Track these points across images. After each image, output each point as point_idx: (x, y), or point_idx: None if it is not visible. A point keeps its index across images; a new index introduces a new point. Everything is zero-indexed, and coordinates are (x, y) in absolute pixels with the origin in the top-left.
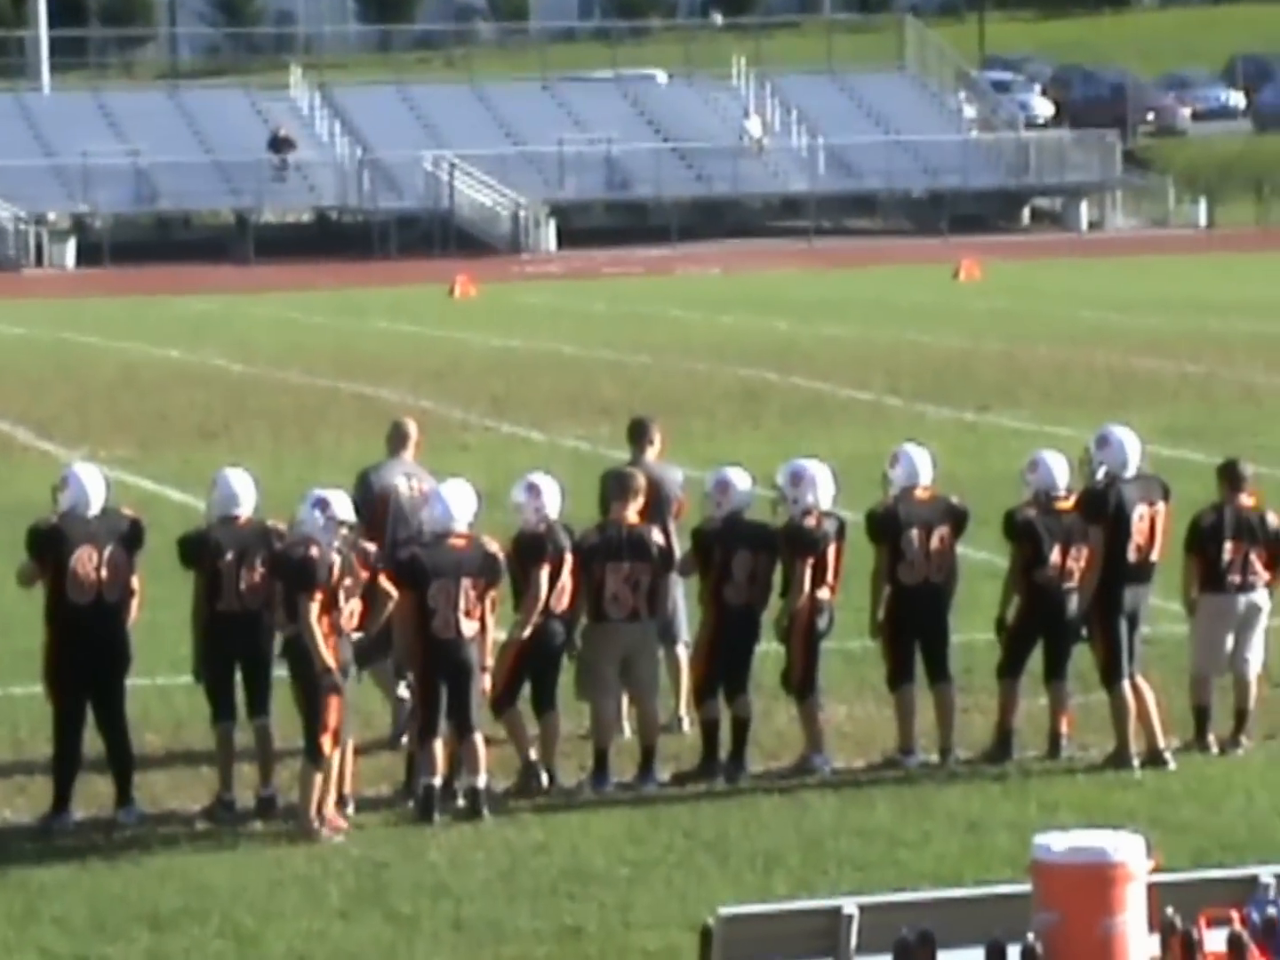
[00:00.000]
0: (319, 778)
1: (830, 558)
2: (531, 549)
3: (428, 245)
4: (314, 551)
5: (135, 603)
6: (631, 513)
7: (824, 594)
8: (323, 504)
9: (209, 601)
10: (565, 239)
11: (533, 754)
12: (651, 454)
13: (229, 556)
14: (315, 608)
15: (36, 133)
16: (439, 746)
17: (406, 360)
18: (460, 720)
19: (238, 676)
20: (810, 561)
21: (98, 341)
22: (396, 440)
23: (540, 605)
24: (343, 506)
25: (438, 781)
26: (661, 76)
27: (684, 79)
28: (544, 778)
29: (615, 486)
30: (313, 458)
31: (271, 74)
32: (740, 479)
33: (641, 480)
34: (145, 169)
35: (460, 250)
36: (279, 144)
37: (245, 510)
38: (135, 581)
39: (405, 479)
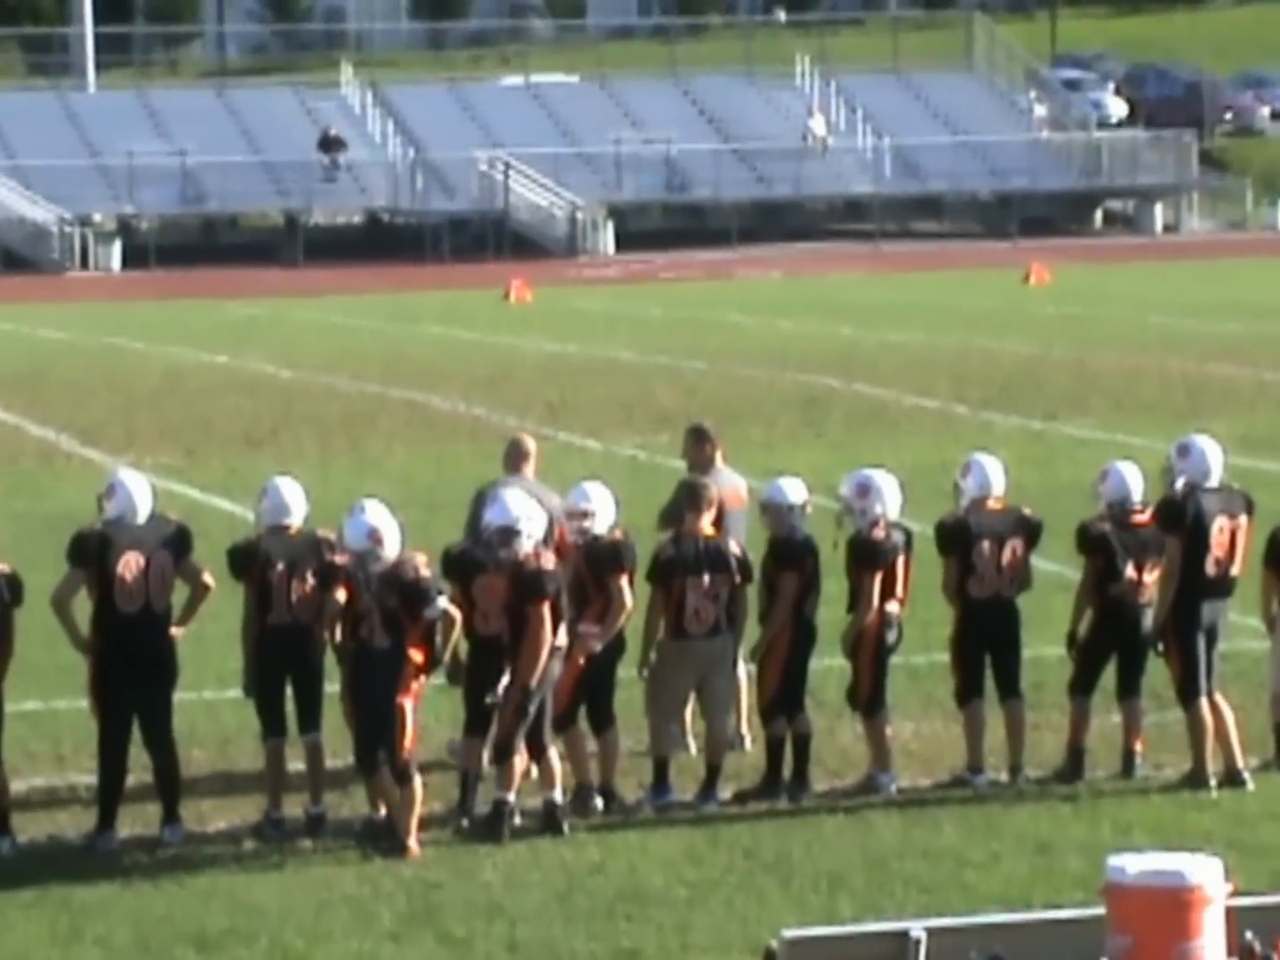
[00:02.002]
0: (413, 796)
1: (899, 570)
2: (611, 558)
3: (481, 248)
4: (426, 571)
5: (197, 608)
6: (706, 524)
7: (892, 608)
8: (376, 538)
9: (259, 614)
10: (622, 241)
11: (586, 776)
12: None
13: (280, 568)
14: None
15: (81, 132)
16: (518, 763)
17: (458, 366)
18: (537, 735)
19: (288, 691)
20: (878, 575)
21: (143, 346)
22: (515, 457)
23: (626, 615)
24: (392, 541)
25: (512, 797)
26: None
27: (745, 77)
28: (598, 802)
29: (689, 497)
30: (361, 466)
31: (321, 72)
32: (795, 491)
33: (714, 490)
34: (192, 169)
35: (515, 253)
36: (329, 144)
37: (296, 520)
38: (205, 580)
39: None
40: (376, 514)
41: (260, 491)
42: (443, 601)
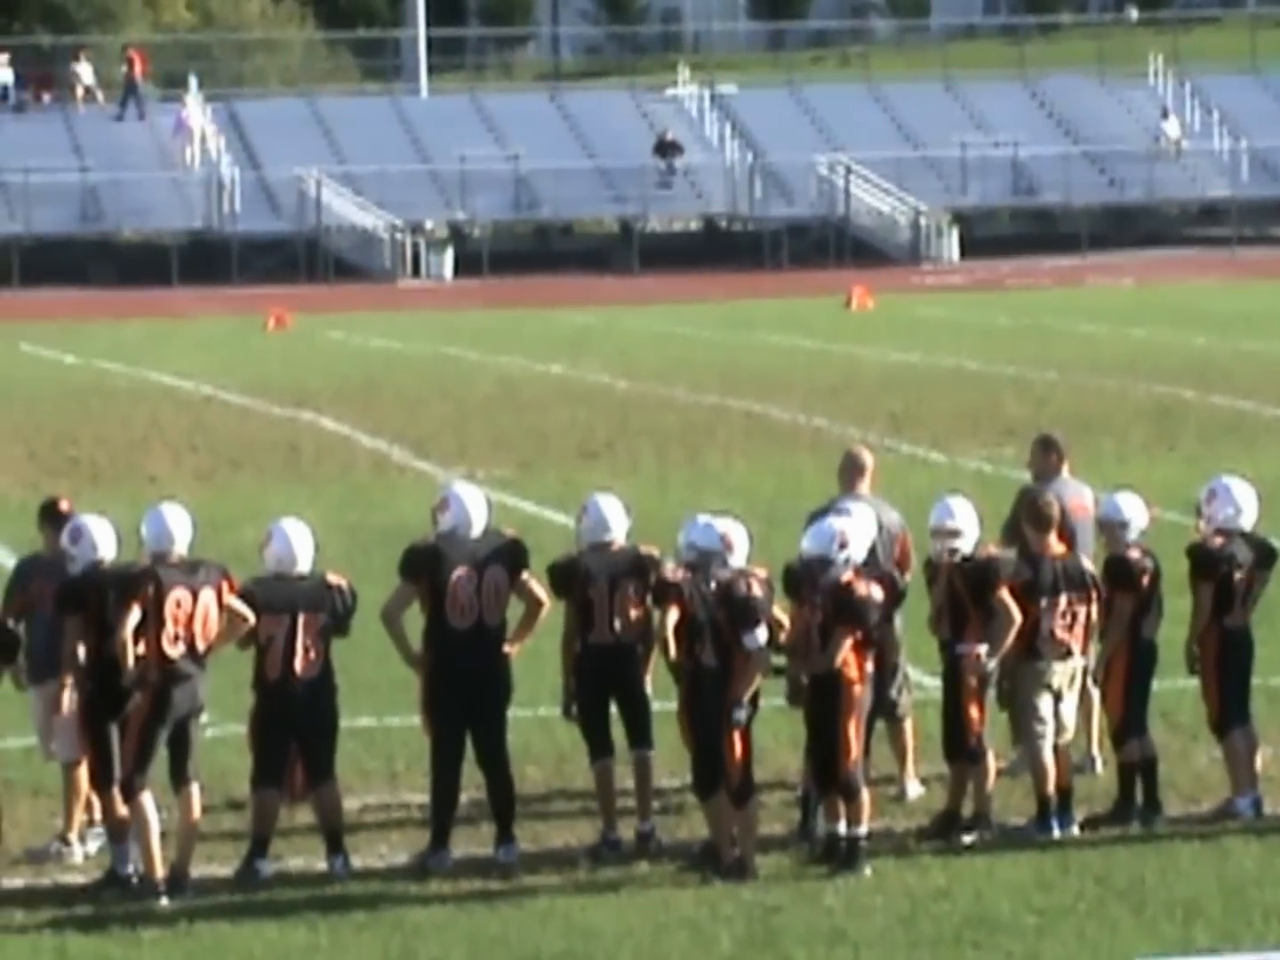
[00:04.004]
0: (750, 817)
1: (1238, 583)
2: (989, 574)
3: (821, 254)
4: (759, 590)
5: (533, 624)
6: (1054, 541)
7: (1233, 622)
8: (727, 542)
9: (580, 632)
10: (968, 248)
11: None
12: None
13: (601, 585)
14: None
15: (413, 137)
16: (865, 795)
17: (798, 376)
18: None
19: (612, 710)
20: (1213, 585)
21: (475, 356)
22: (851, 472)
23: (1014, 629)
24: (740, 548)
25: (863, 830)
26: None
27: (1095, 78)
28: (967, 839)
29: (1031, 516)
30: (698, 478)
31: (657, 74)
32: (1130, 508)
33: (1055, 505)
34: (525, 175)
35: (855, 260)
36: (665, 148)
37: (617, 536)
38: (540, 595)
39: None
40: (724, 522)
41: (580, 508)
42: (761, 633)
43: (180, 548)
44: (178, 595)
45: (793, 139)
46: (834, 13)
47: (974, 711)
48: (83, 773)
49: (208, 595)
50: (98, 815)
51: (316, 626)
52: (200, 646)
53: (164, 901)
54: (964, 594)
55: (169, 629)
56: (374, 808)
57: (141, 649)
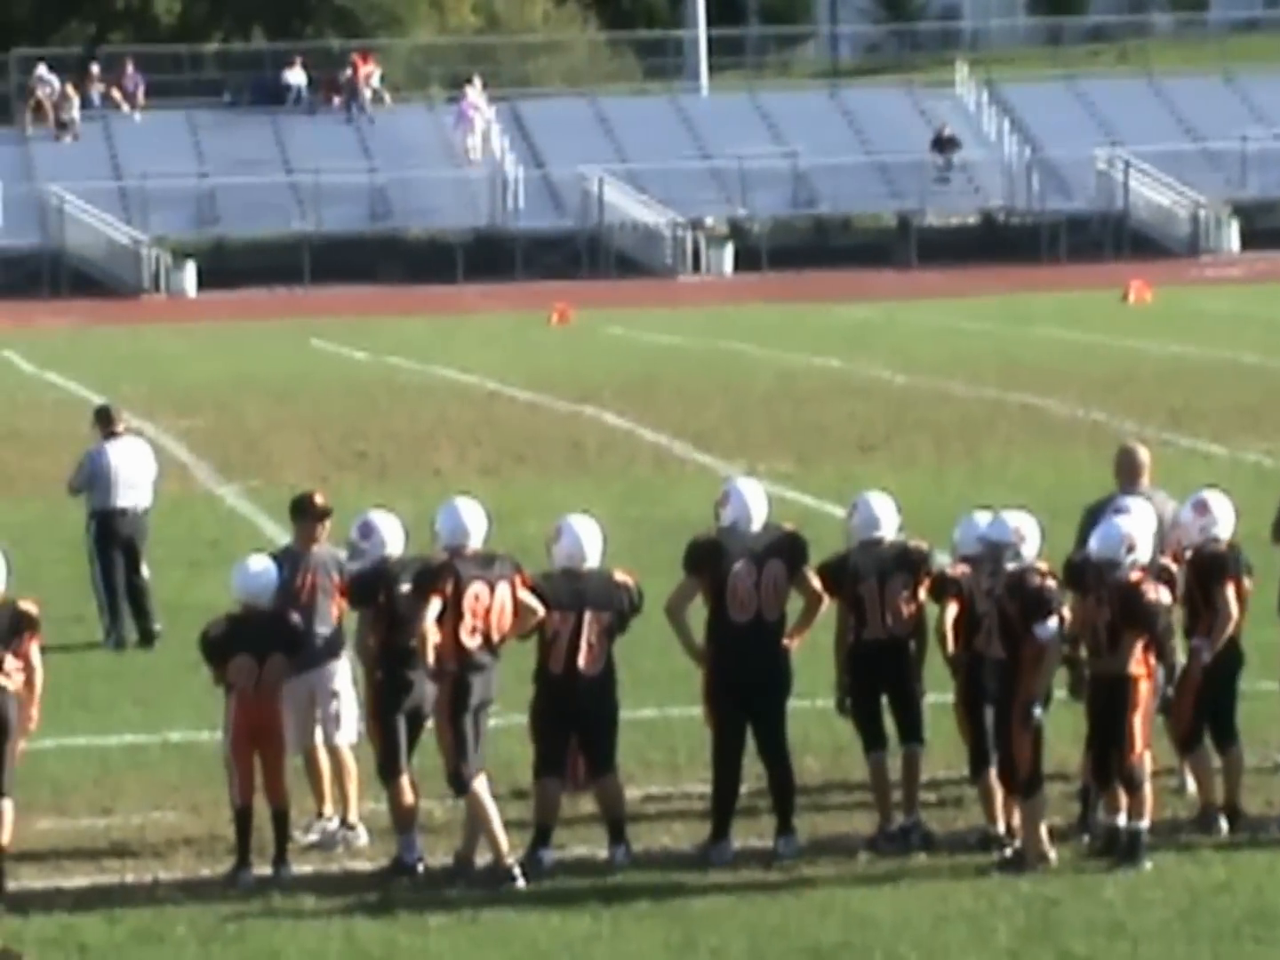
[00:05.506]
0: (1033, 808)
1: None
2: (1218, 567)
3: (1099, 248)
4: (1051, 581)
5: (812, 618)
6: None
7: None
8: (1019, 535)
9: (854, 629)
10: (1248, 240)
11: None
12: None
13: (871, 582)
14: None
15: (693, 135)
16: (1149, 790)
17: (1076, 369)
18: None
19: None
20: None
21: (754, 350)
22: (1129, 469)
23: (1233, 625)
24: (1033, 541)
25: (1144, 825)
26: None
27: None
28: (1223, 822)
29: None
30: (976, 472)
31: (935, 71)
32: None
33: None
34: (804, 171)
35: (1134, 253)
36: (943, 143)
37: (887, 533)
38: (819, 589)
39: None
40: (1016, 515)
41: (851, 506)
42: (1053, 624)
43: (475, 542)
44: (476, 589)
45: (1071, 133)
46: (1112, 7)
47: (1193, 704)
48: (323, 756)
49: (503, 589)
50: (327, 809)
51: (602, 624)
52: (495, 638)
53: (520, 884)
54: (1194, 586)
55: (467, 621)
56: (656, 798)
57: (439, 640)
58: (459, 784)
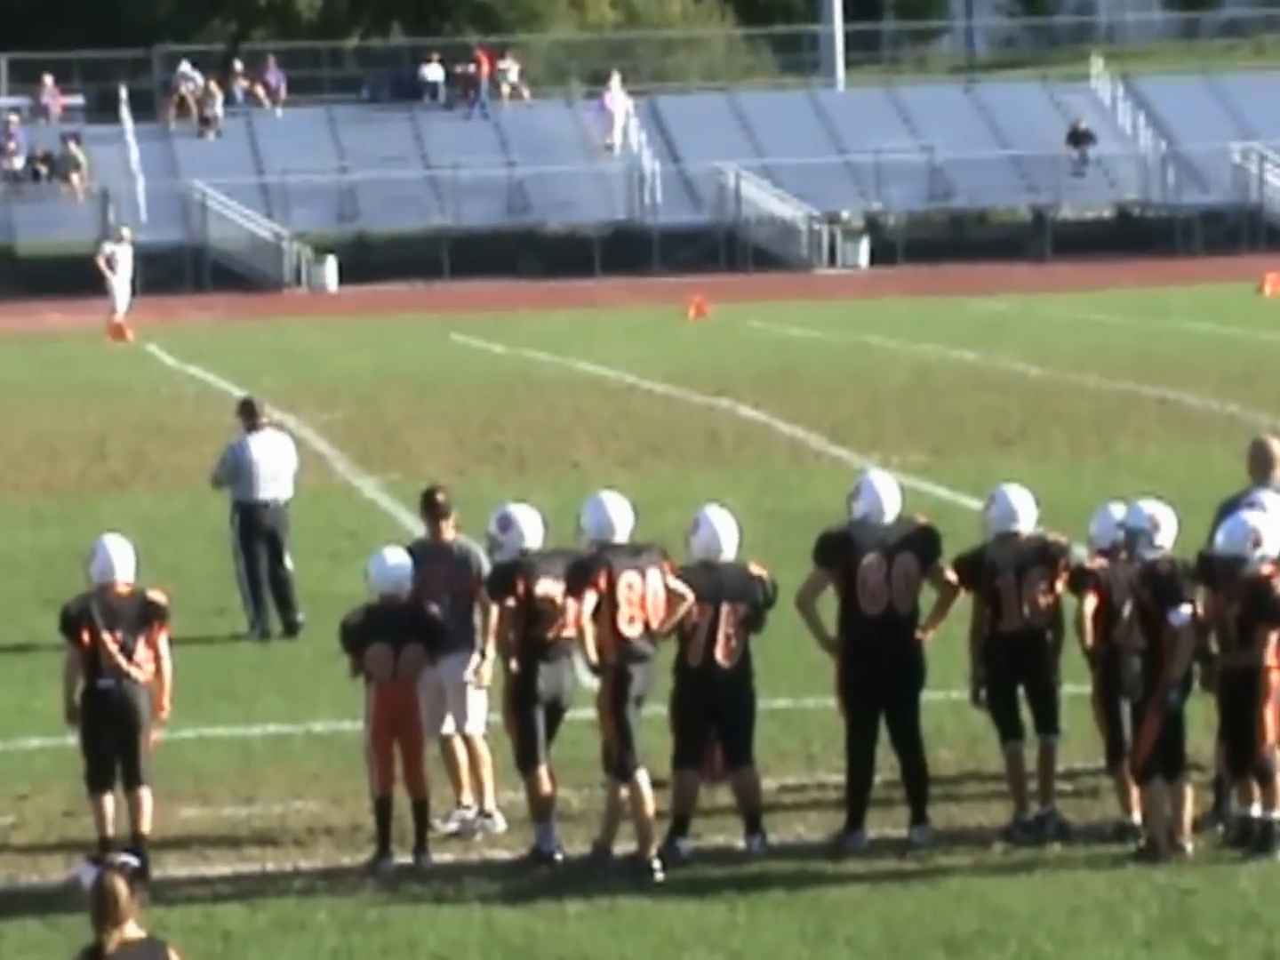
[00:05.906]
0: (1169, 796)
1: None
2: None
3: (1234, 241)
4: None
5: (946, 610)
6: None
7: None
8: (1154, 523)
9: (990, 622)
10: None
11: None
12: None
13: (1008, 575)
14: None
15: (830, 129)
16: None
17: (1211, 362)
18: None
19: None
20: None
21: (890, 344)
22: (1262, 462)
23: None
24: (1168, 529)
25: (1278, 815)
26: None
27: None
28: None
29: None
30: (1111, 465)
31: (1071, 65)
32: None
33: None
34: (939, 165)
35: (1269, 246)
36: (1078, 137)
37: (1024, 526)
38: (952, 581)
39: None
40: (1153, 504)
41: (988, 499)
42: (1185, 610)
43: (621, 536)
44: (629, 578)
45: (1206, 127)
46: (1248, 1)
47: None
48: (458, 744)
49: (654, 575)
50: (466, 798)
51: (738, 616)
52: (654, 625)
53: (659, 878)
54: None
55: (624, 610)
56: (791, 788)
57: (598, 633)
58: (623, 773)
